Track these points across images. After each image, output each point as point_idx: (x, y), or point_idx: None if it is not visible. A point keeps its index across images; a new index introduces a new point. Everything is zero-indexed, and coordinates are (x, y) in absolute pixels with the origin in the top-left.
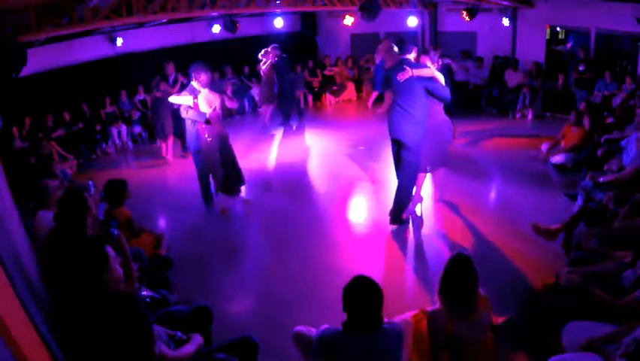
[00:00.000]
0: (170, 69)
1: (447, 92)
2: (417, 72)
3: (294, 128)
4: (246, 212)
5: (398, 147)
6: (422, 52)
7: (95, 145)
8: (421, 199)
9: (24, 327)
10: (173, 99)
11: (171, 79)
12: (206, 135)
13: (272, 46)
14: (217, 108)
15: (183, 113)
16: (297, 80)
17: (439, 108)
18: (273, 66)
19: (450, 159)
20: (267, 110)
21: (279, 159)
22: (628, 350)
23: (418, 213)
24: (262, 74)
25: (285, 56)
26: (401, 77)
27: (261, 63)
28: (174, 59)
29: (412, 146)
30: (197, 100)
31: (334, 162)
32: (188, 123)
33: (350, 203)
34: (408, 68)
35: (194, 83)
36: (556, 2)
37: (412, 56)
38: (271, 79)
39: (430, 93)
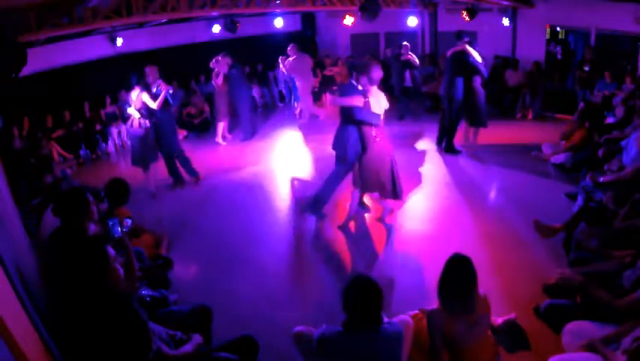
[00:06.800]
0: (153, 74)
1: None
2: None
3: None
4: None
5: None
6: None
7: (95, 145)
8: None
9: (24, 327)
10: (340, 102)
11: (155, 88)
12: (376, 138)
13: (222, 54)
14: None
15: (359, 115)
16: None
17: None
18: (225, 77)
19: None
20: (220, 125)
21: (278, 159)
22: (631, 347)
23: None
24: (215, 86)
25: (238, 65)
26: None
27: (214, 74)
28: (174, 59)
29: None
30: (368, 99)
31: (334, 162)
32: (347, 128)
33: (350, 203)
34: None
35: (354, 82)
36: (557, 2)
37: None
38: (224, 92)
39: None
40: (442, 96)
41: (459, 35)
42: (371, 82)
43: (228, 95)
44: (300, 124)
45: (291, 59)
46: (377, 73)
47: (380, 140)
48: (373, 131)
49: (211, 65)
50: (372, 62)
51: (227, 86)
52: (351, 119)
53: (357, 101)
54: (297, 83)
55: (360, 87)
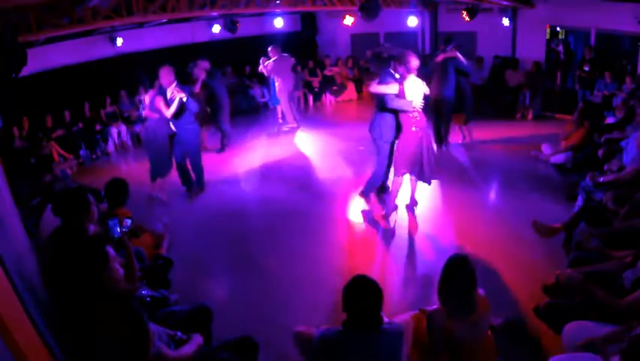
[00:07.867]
0: (168, 77)
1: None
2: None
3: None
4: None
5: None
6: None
7: (95, 145)
8: None
9: (24, 327)
10: (378, 89)
11: (169, 93)
12: (412, 127)
13: (200, 58)
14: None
15: (390, 103)
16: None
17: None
18: (203, 84)
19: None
20: (205, 133)
21: (278, 159)
22: (623, 347)
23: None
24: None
25: (215, 71)
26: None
27: (192, 79)
28: (174, 59)
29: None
30: (402, 87)
31: (334, 162)
32: (382, 114)
33: (350, 203)
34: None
35: (392, 70)
36: (557, 2)
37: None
38: (202, 98)
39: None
40: (434, 99)
41: (448, 40)
42: (409, 70)
43: (207, 102)
44: (283, 129)
45: (271, 60)
46: (414, 61)
47: (417, 130)
48: (413, 126)
49: (188, 70)
50: (409, 52)
51: (204, 92)
52: (384, 107)
53: (389, 89)
54: (277, 84)
55: (397, 75)
